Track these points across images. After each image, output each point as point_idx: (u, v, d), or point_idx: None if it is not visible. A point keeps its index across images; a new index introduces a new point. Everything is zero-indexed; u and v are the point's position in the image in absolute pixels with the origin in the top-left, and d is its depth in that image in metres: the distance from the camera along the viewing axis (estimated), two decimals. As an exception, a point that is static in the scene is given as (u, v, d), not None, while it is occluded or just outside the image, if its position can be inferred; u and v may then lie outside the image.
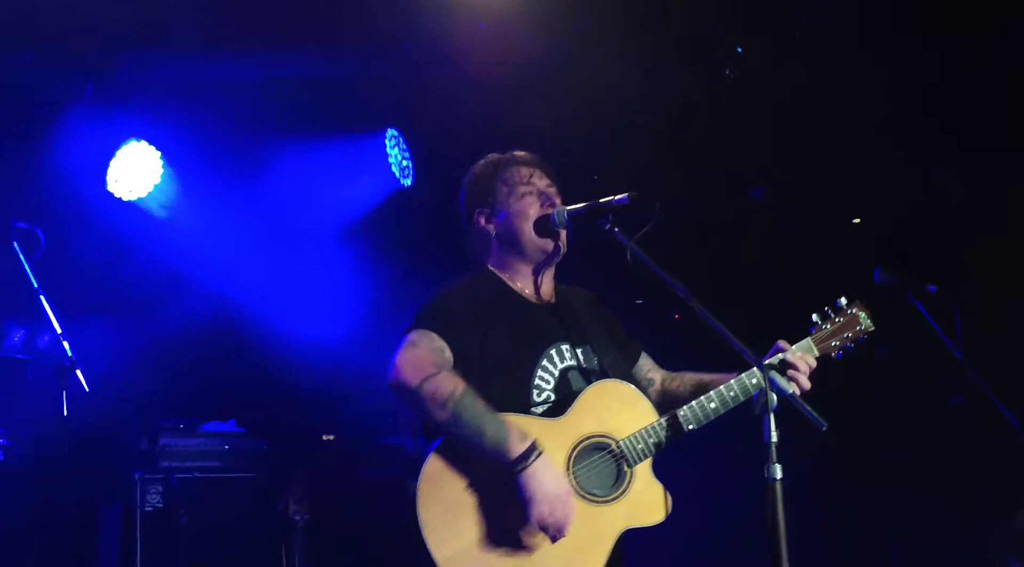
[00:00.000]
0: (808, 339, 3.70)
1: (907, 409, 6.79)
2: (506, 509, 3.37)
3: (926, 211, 6.84)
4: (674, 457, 3.63)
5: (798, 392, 3.49)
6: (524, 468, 3.31)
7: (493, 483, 3.38)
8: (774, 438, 3.05)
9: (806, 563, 3.26)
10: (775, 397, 3.12)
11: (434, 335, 3.49)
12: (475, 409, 3.36)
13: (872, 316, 3.75)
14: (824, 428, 3.14)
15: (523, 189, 3.74)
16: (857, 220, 7.58)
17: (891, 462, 6.86)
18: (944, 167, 6.79)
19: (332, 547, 6.50)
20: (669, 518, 3.51)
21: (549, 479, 3.33)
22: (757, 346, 3.42)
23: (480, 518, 3.37)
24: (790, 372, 3.58)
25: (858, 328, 3.74)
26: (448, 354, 3.48)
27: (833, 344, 3.71)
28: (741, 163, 7.24)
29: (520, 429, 3.37)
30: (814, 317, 3.74)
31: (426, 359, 3.43)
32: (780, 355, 3.61)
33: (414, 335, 3.50)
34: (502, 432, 3.34)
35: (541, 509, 3.32)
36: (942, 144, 6.70)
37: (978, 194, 6.70)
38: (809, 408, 3.16)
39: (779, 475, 3.03)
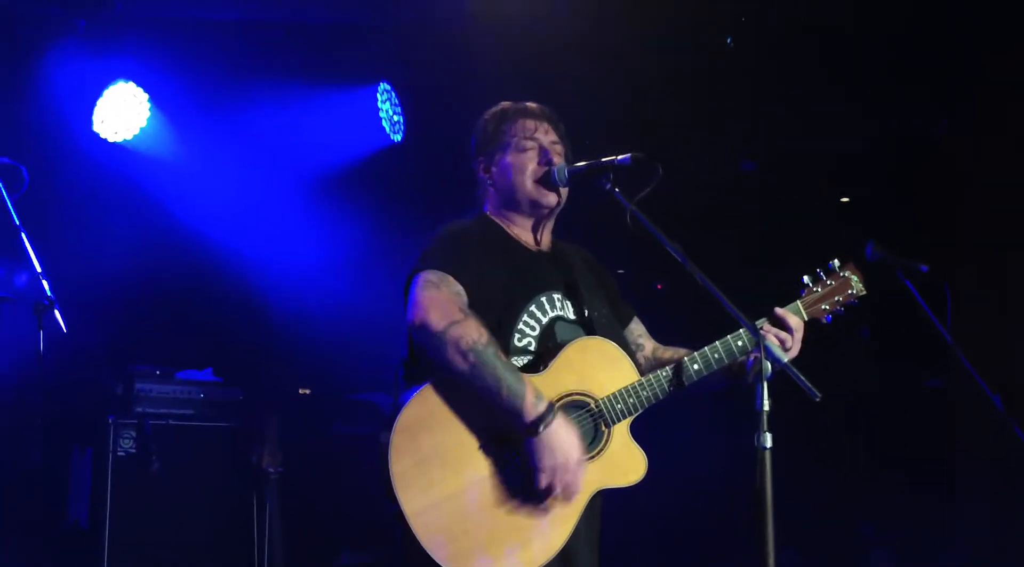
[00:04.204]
0: (797, 303, 3.62)
1: (887, 387, 6.81)
2: (484, 463, 3.33)
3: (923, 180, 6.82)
4: (660, 424, 3.60)
5: (785, 358, 3.39)
6: (539, 432, 3.26)
7: (473, 435, 3.34)
8: (766, 406, 3.01)
9: (782, 534, 3.24)
10: (769, 365, 3.06)
11: (451, 278, 3.43)
12: (496, 363, 3.29)
13: (864, 280, 3.65)
14: (818, 398, 3.11)
15: (525, 142, 3.68)
16: (846, 199, 7.56)
17: (868, 439, 6.88)
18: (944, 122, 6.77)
19: (303, 501, 6.49)
20: (649, 481, 3.47)
21: (562, 446, 3.28)
22: (747, 313, 3.35)
23: (455, 471, 3.31)
24: (782, 336, 3.51)
25: (849, 292, 3.65)
26: (465, 298, 3.42)
27: (823, 307, 3.63)
28: (734, 130, 7.21)
29: (537, 389, 3.30)
30: (805, 279, 3.64)
31: (452, 303, 3.37)
32: (766, 323, 3.54)
33: (431, 275, 3.43)
34: (520, 390, 3.28)
35: (552, 477, 3.28)
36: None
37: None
38: (803, 378, 3.13)
39: (769, 444, 2.99)
